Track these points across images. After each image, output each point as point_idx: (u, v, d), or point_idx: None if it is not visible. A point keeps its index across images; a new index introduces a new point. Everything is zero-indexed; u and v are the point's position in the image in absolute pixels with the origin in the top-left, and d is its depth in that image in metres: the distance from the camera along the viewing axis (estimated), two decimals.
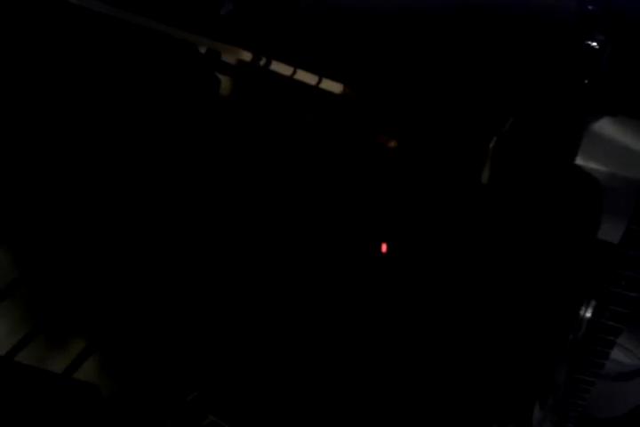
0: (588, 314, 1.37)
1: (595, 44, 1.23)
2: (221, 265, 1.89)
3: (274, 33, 1.54)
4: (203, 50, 1.63)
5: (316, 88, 1.59)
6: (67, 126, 1.76)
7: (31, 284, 1.77)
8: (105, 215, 1.87)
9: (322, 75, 1.57)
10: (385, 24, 1.46)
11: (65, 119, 1.75)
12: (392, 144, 1.59)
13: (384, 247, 1.74)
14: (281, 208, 1.80)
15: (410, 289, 1.75)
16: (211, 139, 1.77)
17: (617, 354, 1.41)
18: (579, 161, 1.26)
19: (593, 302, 1.37)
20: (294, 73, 1.58)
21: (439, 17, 1.41)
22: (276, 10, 1.53)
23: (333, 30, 1.52)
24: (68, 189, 1.84)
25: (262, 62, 1.59)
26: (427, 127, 1.51)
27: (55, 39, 1.64)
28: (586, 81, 1.26)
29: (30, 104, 1.72)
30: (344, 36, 1.50)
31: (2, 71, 1.65)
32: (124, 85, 1.70)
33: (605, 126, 1.26)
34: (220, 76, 1.69)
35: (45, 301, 1.91)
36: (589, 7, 1.23)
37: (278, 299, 1.88)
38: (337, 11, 1.48)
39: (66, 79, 1.70)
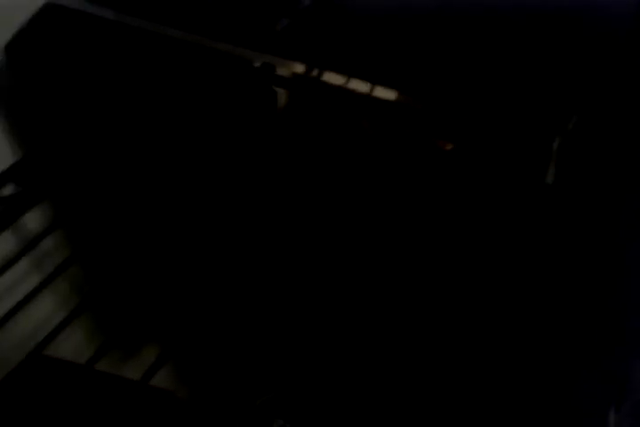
0: None
1: None
2: (286, 273, 1.91)
3: (327, 42, 1.57)
4: (258, 64, 1.67)
5: (370, 96, 1.60)
6: (133, 141, 1.83)
7: (104, 295, 1.83)
8: (178, 223, 1.92)
9: (375, 82, 1.58)
10: (438, 23, 1.46)
11: (130, 133, 1.82)
12: (449, 147, 1.59)
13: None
14: (336, 217, 1.81)
15: (451, 295, 1.74)
16: (270, 151, 1.80)
17: None
18: None
19: None
20: (347, 82, 1.60)
21: (496, 16, 1.40)
22: (326, 14, 1.55)
23: (383, 32, 1.53)
24: (146, 201, 1.90)
25: (315, 73, 1.61)
26: (486, 129, 1.50)
27: (119, 59, 1.71)
28: None
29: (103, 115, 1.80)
30: (394, 37, 1.51)
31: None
32: (187, 102, 1.75)
33: None
34: (277, 89, 1.72)
35: (117, 310, 1.98)
36: None
37: (321, 308, 1.89)
38: (387, 11, 1.50)
39: (131, 95, 1.76)
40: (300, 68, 1.64)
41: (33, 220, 1.82)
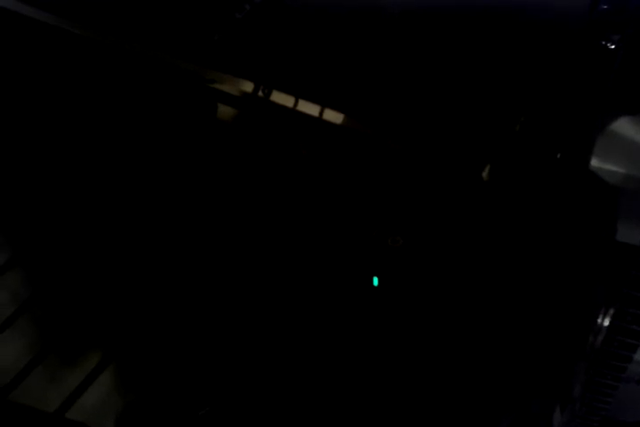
0: (608, 318, 1.36)
1: (610, 44, 1.22)
2: (226, 285, 1.89)
3: (273, 54, 1.56)
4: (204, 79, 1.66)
5: (315, 118, 1.60)
6: (73, 151, 1.80)
7: (43, 303, 1.78)
8: (113, 234, 1.88)
9: (322, 104, 1.58)
10: (386, 23, 1.47)
11: (71, 143, 1.78)
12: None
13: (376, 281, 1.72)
14: (270, 235, 1.80)
15: (408, 315, 1.74)
16: (204, 159, 1.78)
17: None
18: (595, 162, 1.25)
19: (612, 309, 1.36)
20: (296, 103, 1.59)
21: (447, 16, 1.41)
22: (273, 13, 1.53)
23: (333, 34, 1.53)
24: (80, 208, 1.86)
25: (263, 93, 1.61)
26: (426, 151, 1.52)
27: (63, 67, 1.67)
28: (600, 80, 1.26)
29: (40, 128, 1.75)
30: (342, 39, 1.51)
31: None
32: (123, 106, 1.73)
33: (623, 126, 1.24)
34: (222, 106, 1.71)
35: (56, 319, 1.91)
36: (604, 7, 1.23)
37: (275, 324, 1.88)
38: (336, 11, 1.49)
39: (74, 104, 1.73)
40: (248, 86, 1.63)
41: None
